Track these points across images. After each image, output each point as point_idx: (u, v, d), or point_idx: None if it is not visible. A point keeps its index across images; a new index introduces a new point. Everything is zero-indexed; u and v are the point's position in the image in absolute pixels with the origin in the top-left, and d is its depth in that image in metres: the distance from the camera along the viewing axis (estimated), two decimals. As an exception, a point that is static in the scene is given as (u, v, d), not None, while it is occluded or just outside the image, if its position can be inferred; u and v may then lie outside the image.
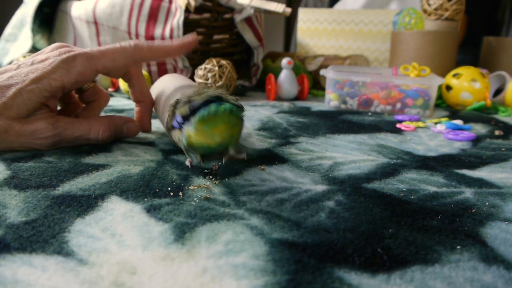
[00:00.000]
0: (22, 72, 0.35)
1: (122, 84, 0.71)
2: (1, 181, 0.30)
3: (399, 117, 0.58)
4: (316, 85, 0.85)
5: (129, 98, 0.70)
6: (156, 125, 0.50)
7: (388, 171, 0.35)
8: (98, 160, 0.36)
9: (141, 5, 0.71)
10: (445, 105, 0.70)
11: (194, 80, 0.69)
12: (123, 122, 0.42)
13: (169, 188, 0.30)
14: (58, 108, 0.44)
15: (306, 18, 1.05)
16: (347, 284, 0.19)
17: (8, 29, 0.91)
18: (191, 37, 0.42)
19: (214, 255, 0.22)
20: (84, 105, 0.44)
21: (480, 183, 0.33)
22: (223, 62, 0.67)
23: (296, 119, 0.56)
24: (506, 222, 0.26)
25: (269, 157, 0.38)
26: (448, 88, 0.67)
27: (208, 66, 0.66)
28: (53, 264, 0.20)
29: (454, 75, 0.67)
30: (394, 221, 0.26)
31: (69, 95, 0.43)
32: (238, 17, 0.76)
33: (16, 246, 0.22)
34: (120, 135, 0.42)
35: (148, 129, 0.46)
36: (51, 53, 0.37)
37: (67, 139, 0.38)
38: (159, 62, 0.76)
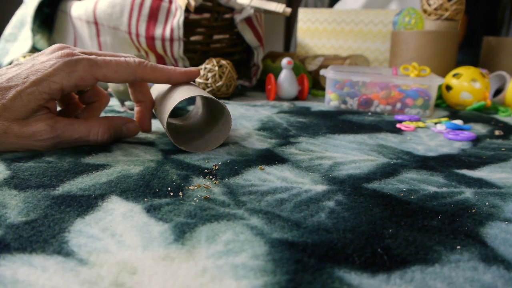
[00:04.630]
0: (22, 74, 0.35)
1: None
2: (1, 181, 0.30)
3: (399, 117, 0.58)
4: (316, 85, 0.85)
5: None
6: (156, 125, 0.50)
7: (388, 171, 0.35)
8: (98, 160, 0.36)
9: (141, 5, 0.71)
10: (445, 105, 0.70)
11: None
12: (122, 123, 0.42)
13: (169, 188, 0.30)
14: (58, 108, 0.44)
15: (306, 18, 1.05)
16: (347, 284, 0.19)
17: (8, 29, 0.92)
18: (195, 69, 0.43)
19: (214, 255, 0.22)
20: (84, 105, 0.44)
21: (480, 183, 0.33)
22: (223, 62, 0.67)
23: (296, 119, 0.56)
24: (506, 222, 0.26)
25: (269, 157, 0.38)
26: (448, 88, 0.67)
27: (208, 66, 0.66)
28: (53, 264, 0.20)
29: (454, 75, 0.67)
30: (394, 221, 0.26)
31: (69, 96, 0.43)
32: (238, 17, 0.76)
33: (16, 246, 0.22)
34: (120, 136, 0.42)
35: (148, 129, 0.46)
36: (52, 55, 0.37)
37: (66, 141, 0.38)
38: (159, 62, 0.76)
